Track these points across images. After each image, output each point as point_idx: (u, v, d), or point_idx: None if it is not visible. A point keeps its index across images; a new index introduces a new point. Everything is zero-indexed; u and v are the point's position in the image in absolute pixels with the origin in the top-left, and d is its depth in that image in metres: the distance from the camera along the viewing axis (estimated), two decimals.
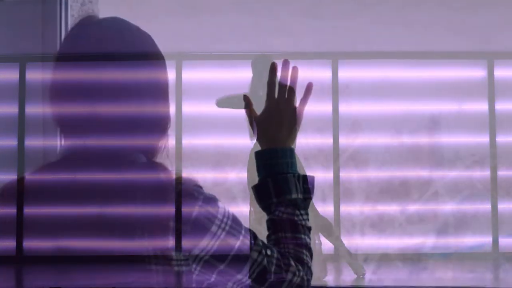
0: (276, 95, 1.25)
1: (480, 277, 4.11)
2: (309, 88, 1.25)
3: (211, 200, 1.13)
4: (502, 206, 4.33)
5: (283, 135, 1.26)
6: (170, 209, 1.12)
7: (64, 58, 1.15)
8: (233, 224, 1.14)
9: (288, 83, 1.25)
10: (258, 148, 1.26)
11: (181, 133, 3.89)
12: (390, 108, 4.38)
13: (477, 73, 4.40)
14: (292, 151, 1.28)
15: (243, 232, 1.14)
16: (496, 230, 4.29)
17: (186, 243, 1.10)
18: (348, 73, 4.36)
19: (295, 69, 1.26)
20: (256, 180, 1.24)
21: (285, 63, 1.28)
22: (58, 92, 1.11)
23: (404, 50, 4.35)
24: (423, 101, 4.36)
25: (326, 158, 4.17)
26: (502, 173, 4.31)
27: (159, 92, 1.14)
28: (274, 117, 1.25)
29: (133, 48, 1.14)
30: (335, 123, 4.23)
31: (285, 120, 1.25)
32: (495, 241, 4.31)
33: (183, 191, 1.13)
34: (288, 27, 4.30)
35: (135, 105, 1.11)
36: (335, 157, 4.17)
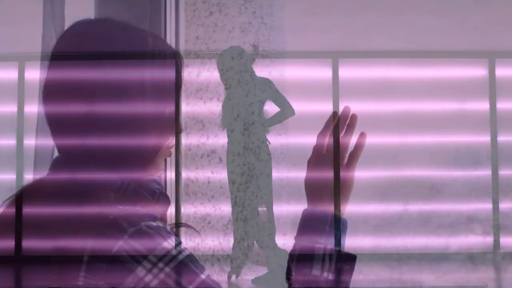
0: (324, 149, 1.09)
1: (480, 277, 4.11)
2: (361, 141, 1.08)
3: (147, 235, 0.93)
4: (503, 205, 4.32)
5: (325, 198, 1.08)
6: (85, 242, 0.93)
7: (59, 57, 1.08)
8: (174, 273, 0.93)
9: (341, 135, 1.08)
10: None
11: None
12: (391, 107, 4.37)
13: (478, 72, 4.39)
14: (333, 219, 1.07)
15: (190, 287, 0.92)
16: (497, 230, 4.28)
17: (103, 283, 0.91)
18: (349, 72, 4.35)
19: (354, 117, 1.10)
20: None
21: (346, 111, 1.11)
22: (51, 92, 1.06)
23: (405, 49, 4.34)
24: (423, 100, 4.35)
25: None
26: (503, 172, 4.30)
27: (154, 91, 1.06)
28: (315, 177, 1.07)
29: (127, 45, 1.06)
30: (336, 123, 4.21)
31: (330, 181, 1.07)
32: (496, 241, 4.30)
33: (110, 222, 0.94)
34: (289, 25, 4.29)
35: (126, 106, 1.03)
36: (336, 156, 4.16)
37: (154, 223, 0.95)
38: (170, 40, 3.52)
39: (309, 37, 4.40)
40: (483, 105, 4.32)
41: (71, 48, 1.06)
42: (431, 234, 4.40)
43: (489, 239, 4.31)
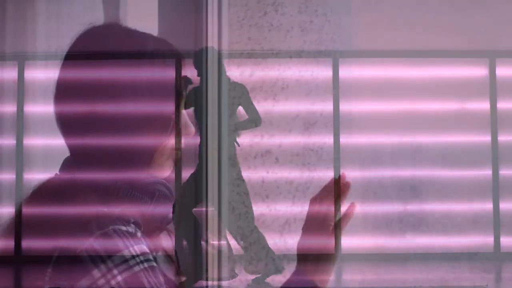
0: (315, 215, 1.11)
1: (480, 277, 4.10)
2: (350, 212, 1.10)
3: (110, 239, 0.94)
4: (503, 205, 4.32)
5: (311, 267, 1.11)
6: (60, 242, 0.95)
7: (73, 57, 1.09)
8: (123, 283, 0.93)
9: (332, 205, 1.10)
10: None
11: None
12: (391, 107, 4.36)
13: (479, 71, 4.38)
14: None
15: None
16: (498, 230, 4.28)
17: (64, 283, 0.93)
18: (349, 71, 4.34)
19: (347, 186, 1.12)
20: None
21: (343, 177, 1.13)
22: (61, 92, 1.07)
23: (406, 49, 4.34)
24: (424, 100, 4.35)
25: (327, 157, 4.15)
26: (503, 172, 4.30)
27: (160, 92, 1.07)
28: (306, 243, 1.12)
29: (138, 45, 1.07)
30: (336, 122, 4.21)
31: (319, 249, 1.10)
32: (496, 241, 4.30)
33: (82, 223, 0.96)
34: (289, 24, 4.28)
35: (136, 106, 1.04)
36: (336, 156, 4.15)
37: (124, 228, 0.95)
38: (212, 41, 3.48)
39: (309, 36, 4.39)
40: (484, 105, 4.31)
41: (82, 49, 1.07)
42: (431, 234, 4.40)
43: (489, 239, 4.30)
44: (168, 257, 1.06)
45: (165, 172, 1.08)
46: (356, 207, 1.11)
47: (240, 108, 3.86)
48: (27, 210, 1.01)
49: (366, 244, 4.30)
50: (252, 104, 3.90)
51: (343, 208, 1.13)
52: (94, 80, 1.05)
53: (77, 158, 1.05)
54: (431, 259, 4.26)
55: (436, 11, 4.52)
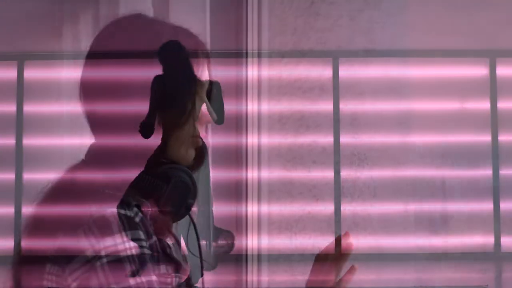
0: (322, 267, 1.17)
1: (480, 277, 4.10)
2: (350, 275, 1.17)
3: (106, 222, 0.98)
4: (504, 205, 4.31)
5: None
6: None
7: (98, 55, 1.11)
8: (107, 267, 0.97)
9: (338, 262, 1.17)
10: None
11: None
12: (391, 107, 4.36)
13: (479, 71, 4.38)
14: None
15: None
16: (498, 230, 4.28)
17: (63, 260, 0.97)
18: (349, 71, 4.34)
19: (349, 246, 1.18)
20: None
21: (346, 237, 1.21)
22: (92, 89, 1.10)
23: (405, 48, 4.33)
24: (424, 100, 4.34)
25: (327, 157, 4.15)
26: (503, 172, 4.30)
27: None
28: None
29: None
30: (336, 122, 4.21)
31: None
32: (496, 241, 4.30)
33: (82, 205, 1.00)
34: (289, 24, 4.28)
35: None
36: (336, 155, 4.15)
37: (123, 211, 0.99)
38: (252, 34, 3.49)
39: (309, 36, 4.39)
40: (484, 105, 4.31)
41: (107, 42, 1.10)
42: (431, 234, 4.39)
43: (489, 239, 4.30)
44: (177, 245, 1.08)
45: (187, 160, 1.10)
46: (356, 270, 1.20)
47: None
48: (48, 202, 1.04)
49: (366, 244, 4.30)
50: (222, 101, 3.84)
51: (345, 269, 1.20)
52: (118, 76, 1.07)
53: (101, 144, 1.09)
54: (431, 259, 4.26)
55: (436, 11, 4.51)
